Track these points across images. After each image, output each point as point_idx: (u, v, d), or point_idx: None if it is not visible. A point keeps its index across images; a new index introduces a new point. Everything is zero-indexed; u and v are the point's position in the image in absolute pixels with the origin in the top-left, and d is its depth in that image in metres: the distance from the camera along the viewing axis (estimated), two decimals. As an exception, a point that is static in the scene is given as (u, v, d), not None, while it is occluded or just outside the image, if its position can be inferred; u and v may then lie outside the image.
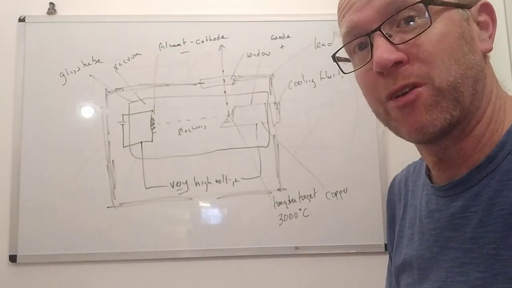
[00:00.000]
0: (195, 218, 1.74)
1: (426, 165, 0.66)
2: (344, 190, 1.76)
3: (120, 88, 1.76)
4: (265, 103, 1.79)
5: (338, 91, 1.79)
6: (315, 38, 1.82)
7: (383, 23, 0.54)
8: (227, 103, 1.78)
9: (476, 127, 0.56)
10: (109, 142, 1.74)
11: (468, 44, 0.54)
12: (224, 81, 1.79)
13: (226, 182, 1.74)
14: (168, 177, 1.73)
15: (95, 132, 1.73)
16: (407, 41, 0.53)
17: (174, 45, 1.79)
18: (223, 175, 1.74)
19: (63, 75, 1.76)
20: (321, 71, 1.81)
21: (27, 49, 1.76)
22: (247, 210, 1.74)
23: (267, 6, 1.86)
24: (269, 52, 1.81)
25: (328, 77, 1.80)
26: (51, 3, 1.79)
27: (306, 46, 1.82)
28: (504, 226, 0.50)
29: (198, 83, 1.78)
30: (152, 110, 1.76)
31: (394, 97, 0.54)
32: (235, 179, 1.74)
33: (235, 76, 1.79)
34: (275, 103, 1.79)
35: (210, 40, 1.81)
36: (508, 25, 1.61)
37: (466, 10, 0.55)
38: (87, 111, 1.76)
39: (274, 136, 1.77)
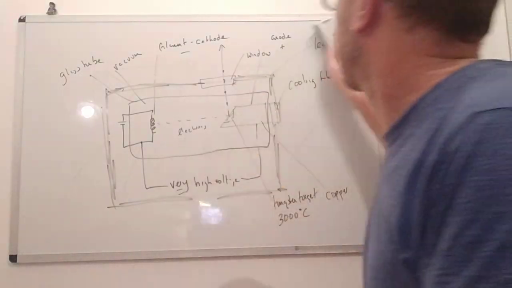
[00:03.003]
0: (195, 218, 1.74)
1: None
2: (344, 190, 1.76)
3: (120, 88, 1.76)
4: (265, 103, 1.79)
5: (338, 91, 1.79)
6: (316, 38, 1.82)
7: None
8: (227, 103, 1.78)
9: None
10: (109, 142, 1.73)
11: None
12: (224, 81, 1.78)
13: (226, 182, 1.74)
14: (168, 177, 1.72)
15: (95, 132, 1.73)
16: None
17: (174, 45, 1.79)
18: (223, 175, 1.74)
19: (63, 75, 1.76)
20: (321, 71, 1.81)
21: (27, 49, 1.76)
22: (247, 210, 1.74)
23: (267, 6, 1.86)
24: (269, 52, 1.81)
25: (328, 77, 1.80)
26: (51, 3, 1.79)
27: (306, 46, 1.82)
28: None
29: (198, 83, 1.78)
30: (152, 110, 1.76)
31: None
32: (235, 179, 1.74)
33: (235, 76, 1.79)
34: (275, 103, 1.79)
35: (210, 40, 1.80)
36: (508, 25, 1.61)
37: None
38: (87, 111, 1.76)
39: (274, 136, 1.77)
